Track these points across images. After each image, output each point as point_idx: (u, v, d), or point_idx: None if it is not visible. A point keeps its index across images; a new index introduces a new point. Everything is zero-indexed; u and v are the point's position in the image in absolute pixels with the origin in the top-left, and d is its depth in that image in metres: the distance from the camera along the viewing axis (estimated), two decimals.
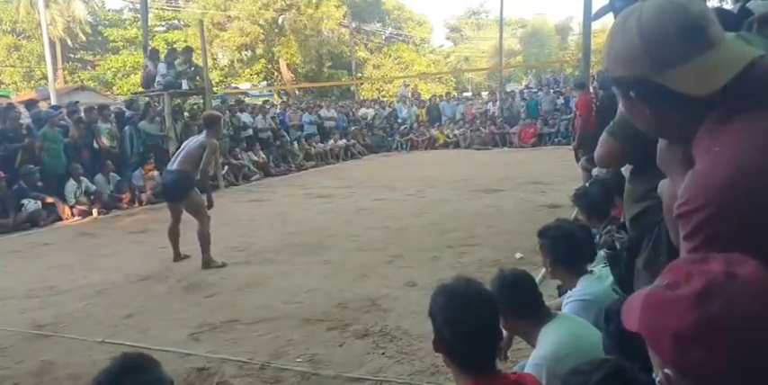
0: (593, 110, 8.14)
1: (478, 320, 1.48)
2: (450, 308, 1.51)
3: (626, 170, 1.93)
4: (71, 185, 8.82)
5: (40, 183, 8.55)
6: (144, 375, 1.52)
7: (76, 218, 8.60)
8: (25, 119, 9.32)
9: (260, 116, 14.28)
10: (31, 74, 28.96)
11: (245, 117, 13.71)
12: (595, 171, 6.73)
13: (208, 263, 5.30)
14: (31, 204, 8.15)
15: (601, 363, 1.15)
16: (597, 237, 3.10)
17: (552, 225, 2.53)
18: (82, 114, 10.08)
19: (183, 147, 5.72)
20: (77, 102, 11.25)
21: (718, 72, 0.92)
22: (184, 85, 11.19)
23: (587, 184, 4.77)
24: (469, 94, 24.85)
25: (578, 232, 2.45)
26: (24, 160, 8.56)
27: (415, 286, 4.38)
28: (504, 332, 2.22)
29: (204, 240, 5.34)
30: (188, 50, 12.07)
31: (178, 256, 5.62)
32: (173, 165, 5.54)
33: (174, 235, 5.59)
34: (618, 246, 1.95)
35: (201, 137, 5.57)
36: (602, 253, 2.56)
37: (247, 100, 18.36)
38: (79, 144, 9.48)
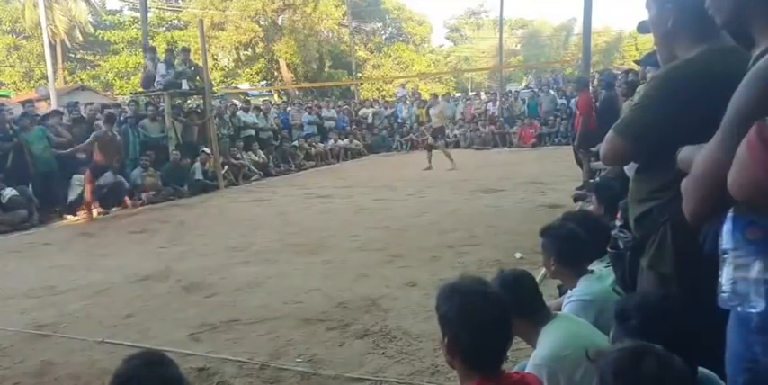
0: (594, 109, 8.16)
1: (495, 319, 1.48)
2: (467, 309, 1.48)
3: (629, 169, 1.92)
4: (77, 178, 8.92)
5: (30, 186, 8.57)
6: (162, 370, 1.52)
7: (77, 217, 8.61)
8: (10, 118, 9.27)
9: (261, 115, 14.31)
10: (31, 74, 28.94)
11: (250, 117, 13.74)
12: (596, 164, 6.75)
13: None
14: (7, 191, 8.05)
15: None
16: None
17: (555, 224, 2.53)
18: (83, 114, 10.11)
19: None
20: (77, 102, 11.26)
21: None
22: (184, 85, 11.20)
23: (609, 177, 4.76)
24: (470, 93, 24.86)
25: (582, 230, 2.44)
26: (14, 159, 8.52)
27: (415, 286, 4.37)
28: None
29: None
30: (185, 50, 12.10)
31: None
32: None
33: None
34: (621, 246, 1.95)
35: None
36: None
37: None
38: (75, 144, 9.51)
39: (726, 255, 1.20)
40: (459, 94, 24.81)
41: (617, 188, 3.44)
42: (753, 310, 1.13)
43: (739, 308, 1.16)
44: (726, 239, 1.20)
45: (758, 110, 1.11)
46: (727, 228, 1.19)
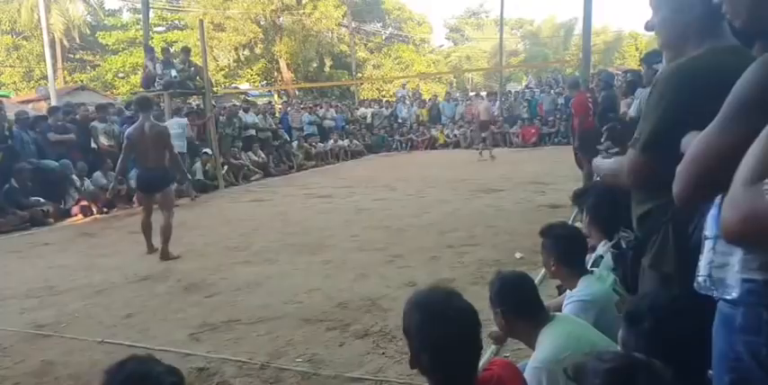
0: (590, 109, 8.15)
1: (459, 340, 1.42)
2: (424, 329, 1.44)
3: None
4: (76, 180, 8.97)
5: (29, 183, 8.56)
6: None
7: (77, 217, 8.61)
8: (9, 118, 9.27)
9: (260, 116, 14.33)
10: (31, 74, 28.91)
11: (250, 117, 13.74)
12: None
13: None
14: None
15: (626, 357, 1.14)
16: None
17: (555, 224, 2.53)
18: (78, 115, 10.13)
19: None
20: (74, 103, 11.28)
21: None
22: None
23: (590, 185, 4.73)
24: (470, 93, 24.77)
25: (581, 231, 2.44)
26: (6, 160, 8.49)
27: (415, 286, 4.35)
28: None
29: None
30: (185, 50, 12.10)
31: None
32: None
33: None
34: (623, 245, 1.94)
35: None
36: (607, 257, 2.54)
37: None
38: (75, 144, 9.51)
39: (708, 240, 1.20)
40: (472, 93, 24.21)
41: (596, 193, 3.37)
42: (727, 297, 1.13)
43: (714, 294, 1.16)
44: (710, 225, 1.20)
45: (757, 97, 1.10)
46: (712, 213, 1.19)
